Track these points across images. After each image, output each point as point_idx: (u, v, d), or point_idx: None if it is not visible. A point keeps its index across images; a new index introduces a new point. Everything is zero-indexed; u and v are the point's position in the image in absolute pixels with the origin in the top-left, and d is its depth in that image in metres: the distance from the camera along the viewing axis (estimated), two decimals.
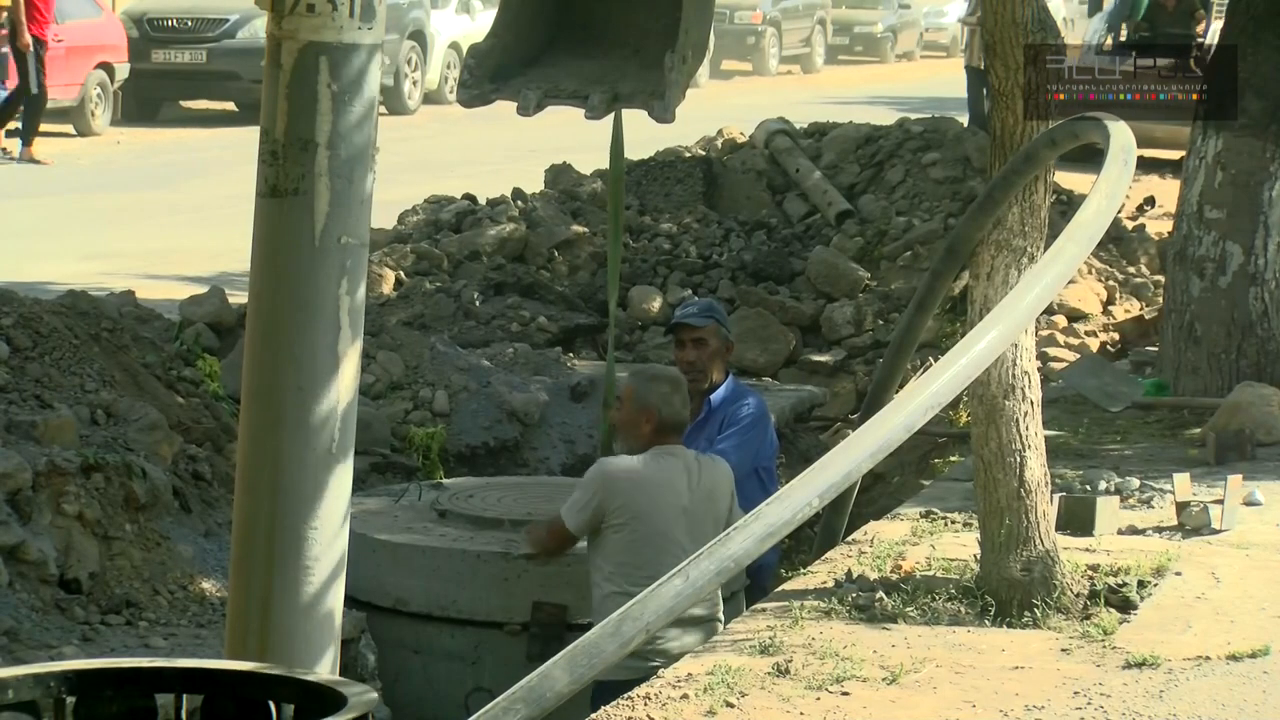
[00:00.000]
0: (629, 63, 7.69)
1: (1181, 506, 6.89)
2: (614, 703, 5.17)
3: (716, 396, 7.53)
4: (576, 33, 7.80)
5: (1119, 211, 6.66)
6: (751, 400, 7.59)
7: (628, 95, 7.39)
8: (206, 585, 6.89)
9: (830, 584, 6.20)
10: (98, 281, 11.61)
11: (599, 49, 7.78)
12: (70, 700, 3.32)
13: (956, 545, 6.54)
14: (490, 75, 7.56)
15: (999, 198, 5.80)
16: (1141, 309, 11.52)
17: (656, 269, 12.11)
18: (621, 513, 6.48)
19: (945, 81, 31.59)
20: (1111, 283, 11.78)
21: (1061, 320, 11.25)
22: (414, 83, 26.84)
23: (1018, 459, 5.84)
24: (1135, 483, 7.42)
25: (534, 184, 13.86)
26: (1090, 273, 11.70)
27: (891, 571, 6.25)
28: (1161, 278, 11.26)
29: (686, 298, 11.49)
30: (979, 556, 6.02)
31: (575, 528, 6.59)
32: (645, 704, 5.09)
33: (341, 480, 4.30)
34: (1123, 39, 20.99)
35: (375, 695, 3.33)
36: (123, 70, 23.44)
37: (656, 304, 11.55)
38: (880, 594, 5.95)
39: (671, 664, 5.60)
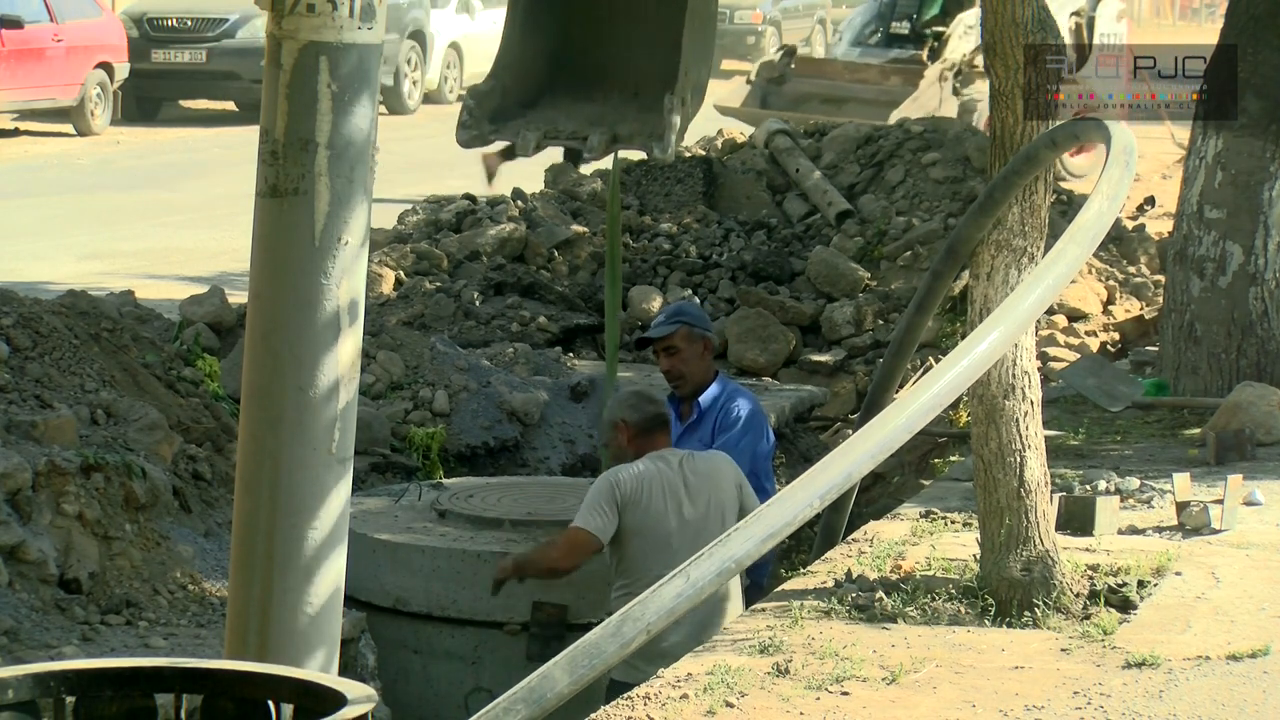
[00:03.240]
0: (628, 105, 7.76)
1: (1181, 506, 6.89)
2: (614, 702, 5.18)
3: (705, 398, 7.53)
4: (575, 75, 7.87)
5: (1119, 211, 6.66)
6: (742, 400, 7.58)
7: (627, 137, 7.46)
8: (206, 585, 6.89)
9: (830, 584, 6.20)
10: (97, 281, 11.62)
11: (598, 92, 7.85)
12: (70, 700, 3.32)
13: (956, 545, 6.54)
14: (490, 116, 7.63)
15: (999, 198, 5.80)
16: (1141, 309, 11.52)
17: (656, 269, 12.11)
18: (633, 510, 6.50)
19: None
20: (1111, 283, 11.78)
21: (1061, 320, 11.25)
22: (414, 83, 26.86)
23: (1018, 459, 5.84)
24: (1135, 483, 7.41)
25: (534, 184, 13.86)
26: (1090, 273, 11.71)
27: (891, 571, 6.25)
28: (1161, 278, 11.26)
29: (686, 297, 11.51)
30: (979, 556, 6.02)
31: (596, 529, 6.48)
32: (645, 704, 5.09)
33: (341, 480, 4.30)
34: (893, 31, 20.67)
35: (375, 695, 3.33)
36: (123, 70, 23.47)
37: (656, 304, 11.55)
38: (880, 594, 5.95)
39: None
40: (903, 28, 20.67)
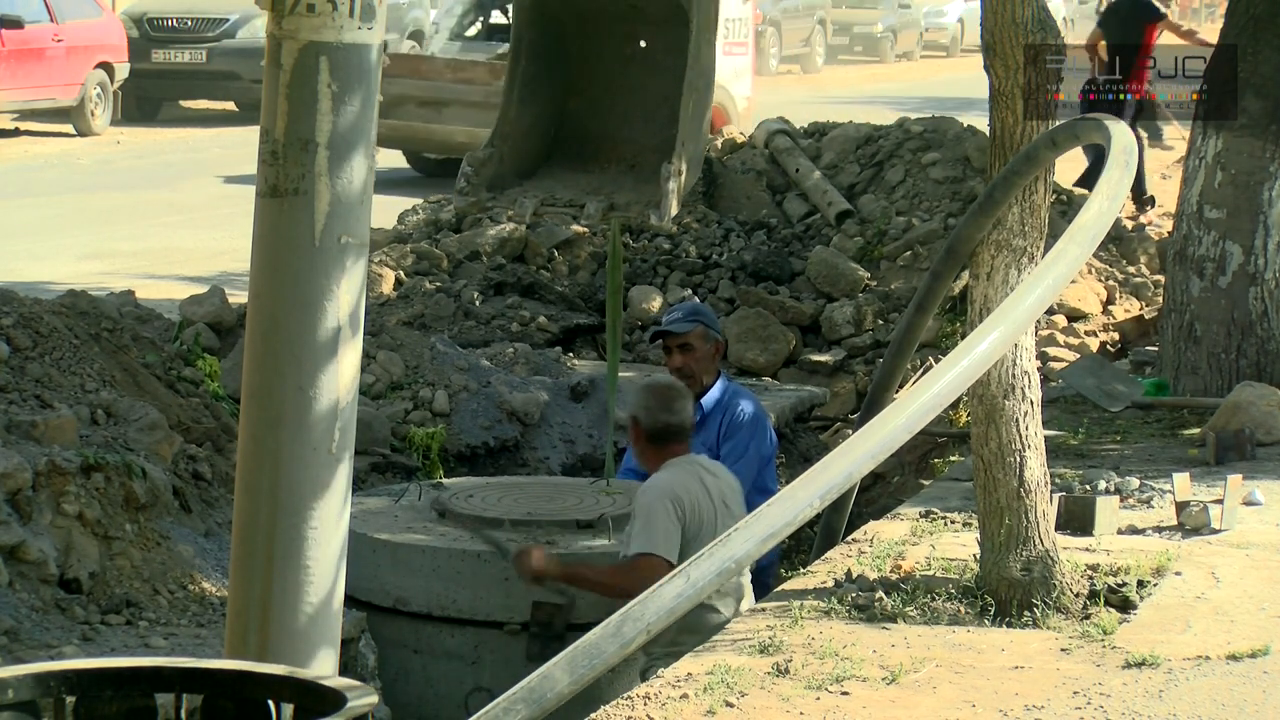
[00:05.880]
0: (624, 175, 7.81)
1: (1181, 506, 6.89)
2: (614, 702, 5.17)
3: (709, 400, 7.53)
4: (573, 147, 7.92)
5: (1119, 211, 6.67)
6: (745, 404, 7.58)
7: (624, 205, 7.52)
8: (206, 585, 6.89)
9: (830, 584, 6.21)
10: (98, 281, 11.62)
11: (595, 163, 7.90)
12: (70, 700, 3.32)
13: (956, 545, 6.54)
14: (487, 184, 7.68)
15: (999, 198, 5.80)
16: (1141, 309, 11.52)
17: (656, 269, 12.10)
18: (692, 524, 6.33)
19: (945, 81, 31.61)
20: (1111, 282, 11.78)
21: (1061, 320, 11.25)
22: None
23: (1018, 459, 5.84)
24: (1135, 483, 7.42)
25: None
26: (1090, 272, 11.71)
27: (891, 571, 6.25)
28: (1161, 278, 11.26)
29: (686, 297, 11.50)
30: (979, 556, 6.02)
31: (670, 554, 6.19)
32: (645, 704, 5.09)
33: (341, 480, 4.31)
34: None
35: (375, 695, 3.33)
36: (123, 70, 23.49)
37: (656, 304, 11.56)
38: (880, 594, 5.95)
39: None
40: (504, 18, 18.73)
